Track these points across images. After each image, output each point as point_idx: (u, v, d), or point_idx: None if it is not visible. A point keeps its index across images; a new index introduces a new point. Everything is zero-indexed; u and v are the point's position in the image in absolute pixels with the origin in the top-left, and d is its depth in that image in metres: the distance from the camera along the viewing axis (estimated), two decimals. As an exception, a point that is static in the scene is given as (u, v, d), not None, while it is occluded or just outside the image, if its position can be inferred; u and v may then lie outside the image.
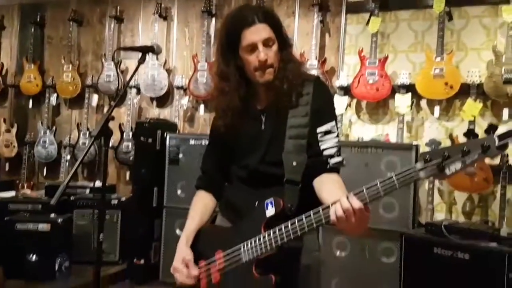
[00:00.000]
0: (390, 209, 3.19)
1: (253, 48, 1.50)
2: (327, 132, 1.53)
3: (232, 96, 1.57)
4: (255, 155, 1.58)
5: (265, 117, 1.59)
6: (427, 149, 3.43)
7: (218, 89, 1.62)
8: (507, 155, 3.19)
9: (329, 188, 1.46)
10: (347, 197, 1.27)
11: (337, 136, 1.56)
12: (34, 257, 3.35)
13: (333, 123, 1.56)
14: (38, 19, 5.06)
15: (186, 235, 1.62)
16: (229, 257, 1.51)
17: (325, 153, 1.52)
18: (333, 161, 1.52)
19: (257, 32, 1.50)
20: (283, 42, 1.57)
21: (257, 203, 1.49)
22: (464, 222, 3.22)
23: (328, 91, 1.65)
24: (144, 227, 3.83)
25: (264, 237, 1.43)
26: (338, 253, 3.33)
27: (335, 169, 1.53)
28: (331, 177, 1.50)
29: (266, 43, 1.51)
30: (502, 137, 1.11)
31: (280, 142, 1.53)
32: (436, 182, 3.49)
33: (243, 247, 1.47)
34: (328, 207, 1.31)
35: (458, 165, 1.14)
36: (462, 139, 3.33)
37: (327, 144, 1.53)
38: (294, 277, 1.54)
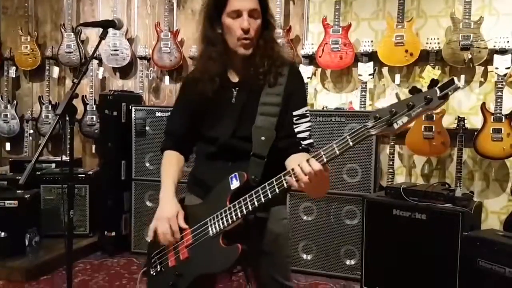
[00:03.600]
0: (353, 174, 3.32)
1: (238, 15, 1.51)
2: (302, 116, 1.59)
3: (220, 61, 1.58)
4: (226, 128, 1.59)
5: (237, 91, 1.61)
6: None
7: (204, 54, 1.61)
8: (464, 119, 3.35)
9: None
10: (307, 161, 1.33)
11: (309, 120, 1.62)
12: (3, 234, 3.32)
13: (307, 107, 1.62)
14: (-10, -12, 4.83)
15: (171, 192, 1.61)
16: (196, 232, 1.55)
17: (299, 135, 1.58)
18: (305, 142, 1.59)
19: (245, 1, 1.51)
20: (268, 21, 1.59)
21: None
22: (421, 184, 3.38)
23: (302, 77, 1.70)
24: (113, 200, 3.84)
25: (229, 208, 1.48)
26: (304, 217, 3.46)
27: (306, 150, 1.59)
28: (301, 155, 1.56)
29: (252, 14, 1.52)
30: (442, 88, 1.18)
31: (251, 117, 1.56)
32: (397, 147, 3.63)
33: (210, 221, 1.51)
34: (288, 172, 1.37)
35: (404, 119, 1.22)
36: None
37: (301, 127, 1.59)
38: (260, 245, 1.60)
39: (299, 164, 1.34)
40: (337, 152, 1.30)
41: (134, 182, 3.84)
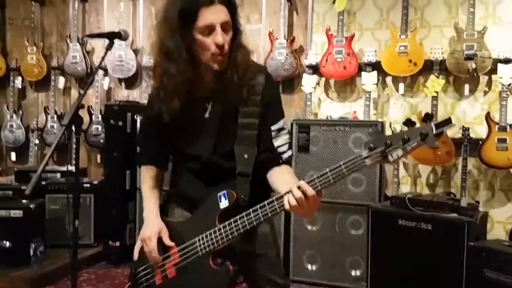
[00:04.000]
0: (358, 183, 3.31)
1: (210, 30, 1.42)
2: (280, 130, 1.56)
3: (179, 79, 1.47)
4: (206, 145, 1.54)
5: (211, 105, 1.55)
6: (396, 126, 3.55)
7: (162, 69, 1.49)
8: (468, 129, 3.34)
9: (284, 179, 1.49)
10: (298, 186, 1.31)
11: (288, 132, 1.60)
12: (7, 243, 3.33)
13: (284, 119, 1.59)
14: (-3, 0, 4.89)
15: (154, 210, 1.61)
16: (185, 251, 1.51)
17: (279, 149, 1.55)
18: (285, 155, 1.56)
19: (217, 13, 1.42)
20: (236, 27, 1.51)
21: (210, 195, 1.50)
22: (427, 194, 3.37)
23: (278, 86, 1.67)
24: (118, 210, 3.85)
25: (219, 229, 1.45)
26: (309, 227, 3.45)
27: (287, 162, 1.57)
28: (284, 168, 1.55)
29: (224, 26, 1.44)
30: (439, 125, 1.20)
31: (231, 132, 1.52)
32: (402, 156, 3.62)
33: (199, 240, 1.48)
34: (282, 196, 1.35)
35: (399, 152, 1.22)
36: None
37: (280, 141, 1.56)
38: (253, 249, 1.57)
39: (291, 190, 1.32)
40: (332, 180, 1.29)
41: (138, 192, 3.85)
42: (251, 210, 1.40)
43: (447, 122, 1.20)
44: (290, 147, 1.58)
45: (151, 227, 1.56)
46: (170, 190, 1.72)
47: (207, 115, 1.55)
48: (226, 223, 1.44)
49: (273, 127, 1.55)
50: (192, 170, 1.60)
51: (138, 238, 1.60)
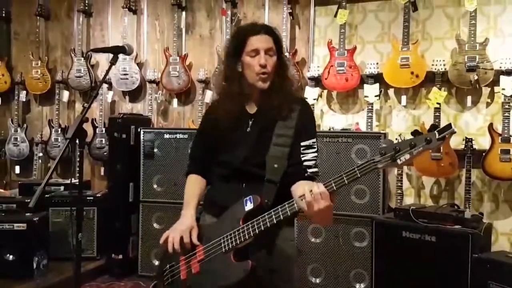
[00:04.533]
0: (361, 195, 3.30)
1: (256, 53, 1.72)
2: (309, 147, 1.74)
3: (236, 99, 1.77)
4: (239, 154, 1.74)
5: (252, 121, 1.78)
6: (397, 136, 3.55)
7: (225, 92, 1.81)
8: (472, 140, 3.34)
9: (303, 187, 1.59)
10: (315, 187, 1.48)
11: (317, 151, 1.76)
12: (11, 257, 3.33)
13: (314, 140, 1.77)
14: (3, 14, 4.95)
15: (191, 211, 1.77)
16: (209, 249, 1.65)
17: (305, 164, 1.72)
18: (310, 170, 1.72)
19: (262, 41, 1.73)
20: (282, 61, 1.79)
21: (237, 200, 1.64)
22: (431, 206, 3.35)
23: (312, 112, 1.89)
24: (121, 222, 3.85)
25: (242, 228, 1.59)
26: (313, 239, 3.43)
27: (312, 177, 1.72)
28: (307, 182, 1.65)
29: (268, 52, 1.73)
30: (441, 131, 1.38)
31: (265, 146, 1.72)
32: (405, 168, 3.62)
33: (223, 239, 1.62)
34: (299, 197, 1.50)
35: (407, 156, 1.40)
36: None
37: (307, 157, 1.73)
38: (271, 263, 1.68)
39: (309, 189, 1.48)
40: (346, 181, 1.46)
41: (141, 204, 3.85)
42: (272, 210, 1.56)
43: (448, 127, 1.37)
44: (316, 165, 1.74)
45: (184, 223, 1.73)
46: (204, 199, 1.89)
47: (248, 129, 1.78)
48: (249, 222, 1.58)
49: (303, 143, 1.73)
50: (223, 177, 1.79)
51: (171, 228, 1.75)
